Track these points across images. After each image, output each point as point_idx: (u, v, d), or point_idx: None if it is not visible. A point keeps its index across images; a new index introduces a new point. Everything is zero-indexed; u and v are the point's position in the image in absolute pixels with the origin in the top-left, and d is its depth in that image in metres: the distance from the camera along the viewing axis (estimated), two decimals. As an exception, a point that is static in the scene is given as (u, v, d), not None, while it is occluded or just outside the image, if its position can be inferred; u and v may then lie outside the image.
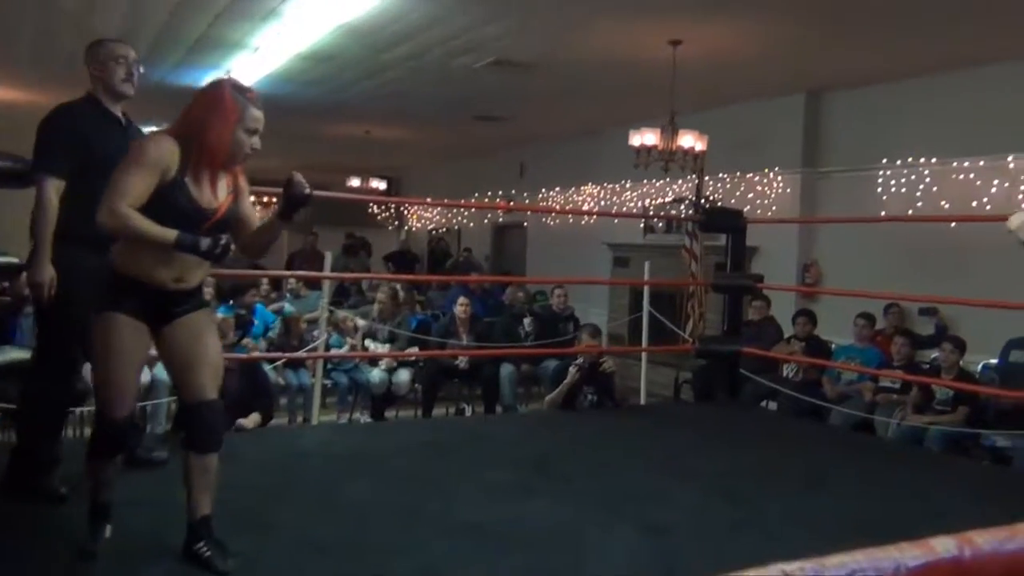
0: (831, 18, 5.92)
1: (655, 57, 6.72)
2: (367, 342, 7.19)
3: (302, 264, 10.28)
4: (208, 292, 6.78)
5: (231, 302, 6.46)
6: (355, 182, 13.50)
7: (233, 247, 2.49)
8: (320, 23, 6.43)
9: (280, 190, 2.57)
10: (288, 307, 7.69)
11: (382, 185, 14.08)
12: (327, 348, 6.30)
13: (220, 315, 5.12)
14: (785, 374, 6.73)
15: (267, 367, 6.11)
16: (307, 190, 2.56)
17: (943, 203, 6.85)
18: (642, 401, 6.86)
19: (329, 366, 6.73)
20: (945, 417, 5.50)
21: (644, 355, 6.88)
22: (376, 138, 12.11)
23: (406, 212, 16.79)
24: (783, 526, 3.12)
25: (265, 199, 18.09)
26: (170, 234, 2.35)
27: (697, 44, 6.50)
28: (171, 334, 2.53)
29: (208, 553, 2.48)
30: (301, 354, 6.36)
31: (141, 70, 3.33)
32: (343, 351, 6.88)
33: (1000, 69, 6.55)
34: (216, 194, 2.50)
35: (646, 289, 7.16)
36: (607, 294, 10.58)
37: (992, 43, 6.23)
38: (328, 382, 6.78)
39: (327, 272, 6.14)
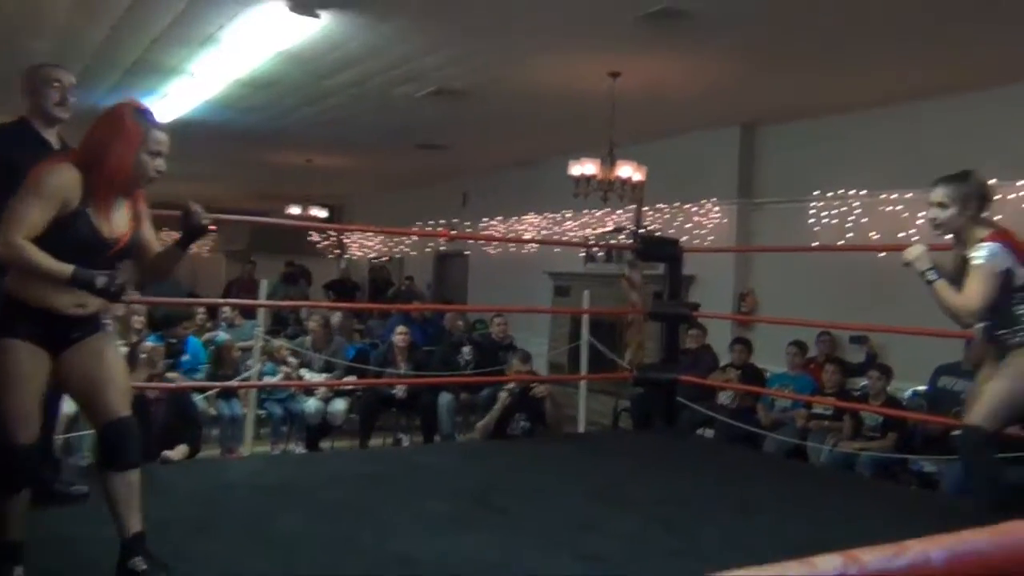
0: (765, 54, 6.07)
1: (595, 88, 6.81)
2: (302, 371, 7.07)
3: (239, 293, 10.10)
4: (139, 320, 6.63)
5: (161, 333, 6.30)
6: (295, 210, 13.36)
7: (127, 283, 2.47)
8: (259, 50, 6.37)
9: (225, 217, 2.58)
10: (221, 335, 7.54)
11: (323, 213, 13.95)
12: (260, 378, 6.17)
13: (150, 344, 4.98)
14: (721, 401, 6.80)
15: (198, 397, 5.97)
16: (205, 221, 2.56)
17: (872, 234, 7.04)
18: (581, 429, 6.86)
19: (263, 396, 6.59)
20: (875, 443, 5.61)
21: (583, 383, 6.89)
22: (318, 166, 12.01)
23: (347, 240, 16.66)
24: (719, 552, 3.12)
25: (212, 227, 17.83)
26: (66, 269, 2.32)
27: (635, 76, 6.61)
28: (72, 359, 2.48)
29: (144, 567, 2.42)
30: (232, 383, 6.22)
31: (72, 99, 3.32)
32: (276, 380, 6.74)
33: (926, 106, 6.78)
34: (118, 222, 2.47)
35: (585, 318, 7.19)
36: (548, 323, 10.60)
37: (918, 81, 6.46)
38: (262, 412, 6.63)
39: (263, 300, 6.03)
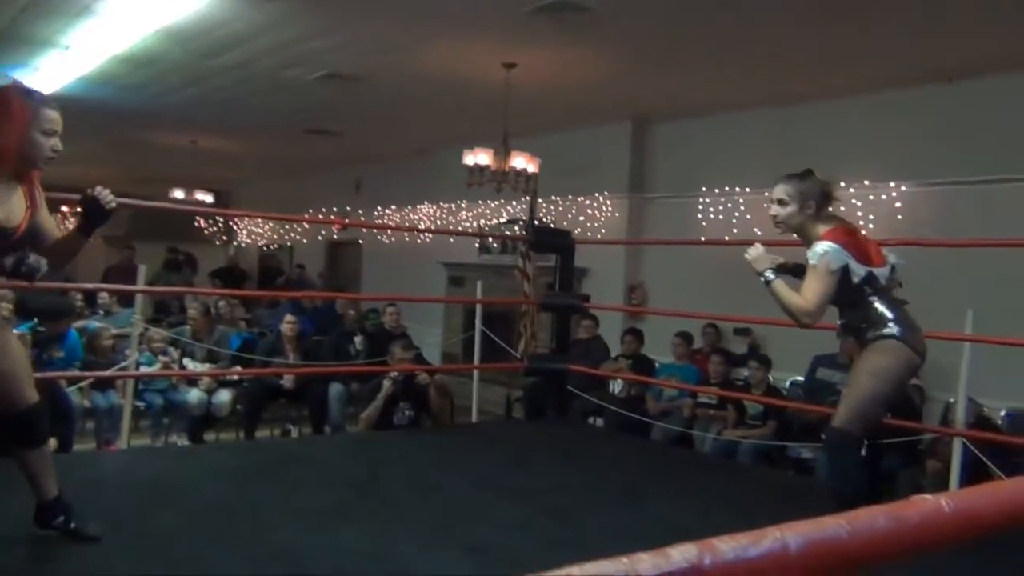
0: (658, 50, 6.19)
1: (489, 79, 6.79)
2: (185, 361, 6.80)
3: (116, 279, 9.63)
4: (7, 308, 6.22)
5: (39, 324, 5.92)
6: (179, 194, 12.84)
7: (44, 265, 2.44)
8: (139, 24, 6.07)
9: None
10: (93, 324, 7.18)
11: (209, 198, 13.47)
12: (138, 367, 5.90)
13: (17, 332, 4.68)
14: (612, 391, 6.92)
15: (70, 388, 5.66)
16: (109, 205, 2.50)
17: (756, 230, 7.28)
18: (474, 419, 6.85)
19: (142, 386, 6.32)
20: (756, 431, 5.82)
21: (476, 373, 6.88)
22: (203, 149, 11.58)
23: (235, 227, 16.15)
24: (602, 540, 3.16)
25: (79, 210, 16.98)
26: (74, 228, 2.40)
27: (530, 68, 6.62)
28: None
29: (73, 524, 2.61)
30: (106, 373, 5.93)
31: None
32: (154, 369, 6.46)
33: (808, 108, 7.06)
34: (15, 209, 2.41)
35: (479, 308, 7.18)
36: (442, 313, 10.56)
37: (802, 84, 6.72)
38: (140, 404, 6.36)
39: (140, 286, 5.76)
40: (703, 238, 7.63)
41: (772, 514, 3.02)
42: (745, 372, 6.36)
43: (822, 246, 2.87)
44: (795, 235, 3.09)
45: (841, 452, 2.88)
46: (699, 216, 7.81)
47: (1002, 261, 5.40)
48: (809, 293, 2.89)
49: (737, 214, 7.53)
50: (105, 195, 2.48)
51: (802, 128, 7.10)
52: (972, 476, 4.34)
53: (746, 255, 3.09)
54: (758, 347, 7.06)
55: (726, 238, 7.47)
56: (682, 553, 0.54)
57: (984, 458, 4.23)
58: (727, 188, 7.63)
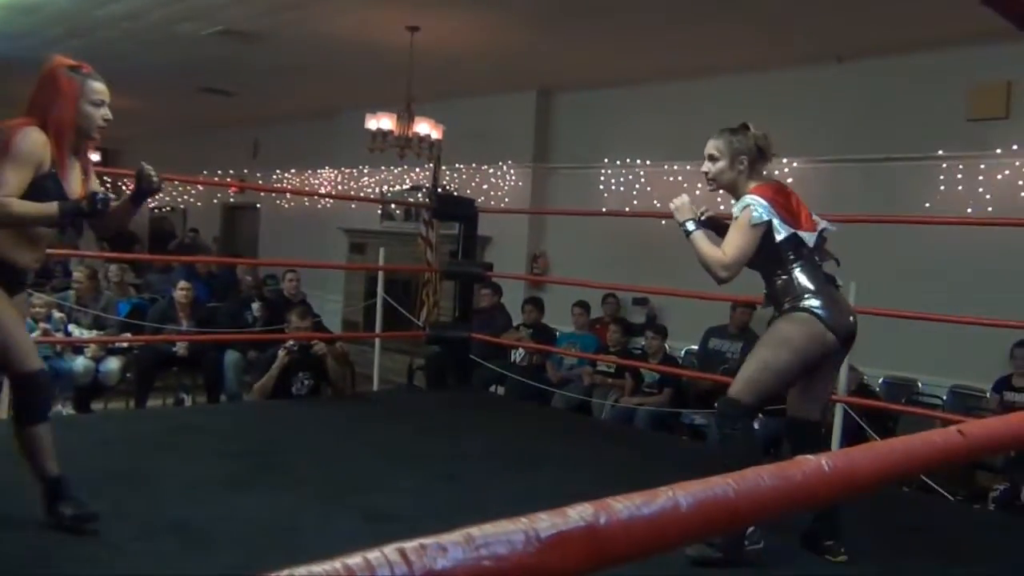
0: (559, 22, 6.21)
1: (393, 41, 6.68)
2: (70, 327, 6.51)
3: (-6, 240, 9.13)
4: None
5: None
6: (64, 152, 12.21)
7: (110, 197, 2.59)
8: (17, -32, 5.72)
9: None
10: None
11: (96, 157, 12.85)
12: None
13: None
14: (513, 359, 6.99)
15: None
16: (156, 183, 2.69)
17: (655, 202, 7.44)
18: (375, 387, 6.82)
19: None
20: (652, 398, 5.99)
21: (377, 342, 6.84)
22: (89, 105, 11.02)
23: (125, 188, 15.47)
24: (501, 506, 3.18)
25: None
26: (52, 207, 2.46)
27: (434, 32, 6.54)
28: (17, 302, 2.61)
29: (71, 511, 2.60)
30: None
31: None
32: (34, 336, 6.17)
33: (705, 83, 7.22)
34: (75, 180, 2.58)
35: (380, 275, 7.11)
36: (342, 280, 10.42)
37: (697, 60, 6.86)
38: (22, 372, 6.07)
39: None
40: (604, 209, 7.75)
41: (667, 478, 3.13)
42: (642, 341, 6.52)
43: (747, 199, 2.74)
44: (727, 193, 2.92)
45: (728, 420, 2.77)
46: (601, 187, 7.92)
47: (882, 235, 5.69)
48: (728, 247, 2.76)
49: (638, 186, 7.67)
50: (153, 173, 2.67)
51: (701, 103, 7.25)
52: (851, 440, 4.58)
53: (671, 204, 2.95)
54: (655, 317, 7.25)
55: (627, 209, 7.61)
56: (579, 512, 0.56)
57: (862, 423, 4.47)
58: (628, 160, 7.76)
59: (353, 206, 10.28)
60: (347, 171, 10.64)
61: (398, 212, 9.85)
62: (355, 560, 0.46)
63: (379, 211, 10.10)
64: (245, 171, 12.22)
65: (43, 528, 2.64)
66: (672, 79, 7.39)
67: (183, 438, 3.96)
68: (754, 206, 2.72)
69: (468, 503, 3.22)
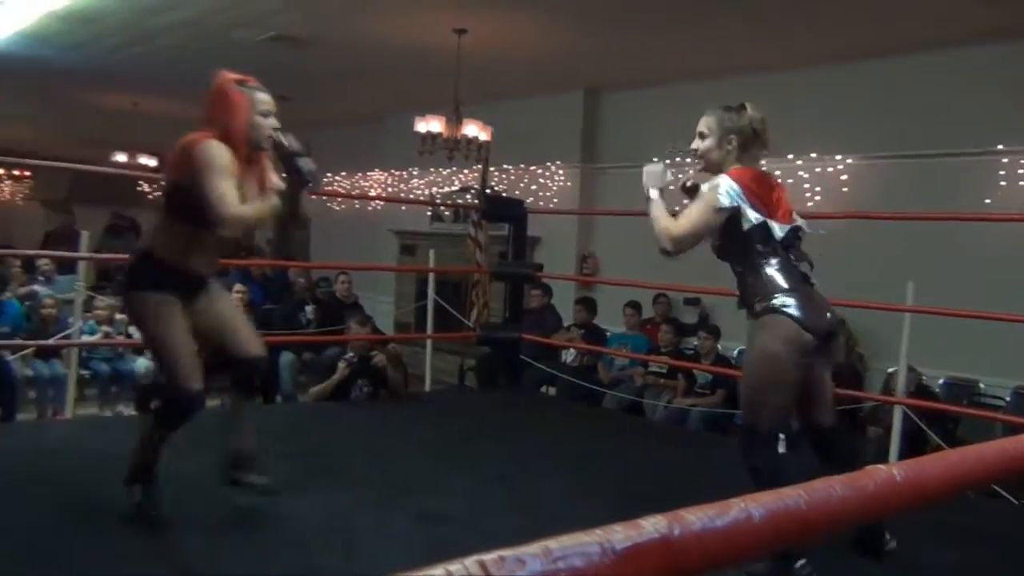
0: (610, 18, 6.18)
1: (440, 45, 6.72)
2: (131, 329, 6.67)
3: (56, 245, 9.41)
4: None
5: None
6: (121, 157, 12.52)
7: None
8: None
9: (41, 163, 2.69)
10: (43, 290, 7.01)
11: (152, 162, 13.15)
12: (81, 335, 5.78)
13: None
14: (564, 360, 6.98)
15: (11, 357, 5.53)
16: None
17: (707, 200, 7.36)
18: (427, 388, 6.86)
19: (87, 355, 6.19)
20: (705, 399, 5.93)
21: (429, 342, 6.88)
22: (146, 111, 11.27)
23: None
24: (556, 507, 3.21)
25: (16, 172, 16.43)
26: (272, 197, 2.69)
27: (482, 35, 6.56)
28: (198, 307, 2.70)
29: (259, 480, 2.81)
30: (49, 342, 5.81)
31: None
32: (96, 338, 6.34)
33: (754, 80, 7.11)
34: (254, 189, 2.67)
35: (431, 277, 7.16)
36: (393, 282, 10.51)
37: (746, 56, 6.77)
38: (86, 373, 6.24)
39: (83, 253, 5.63)
40: (654, 208, 7.69)
41: (721, 480, 3.09)
42: (695, 341, 6.47)
43: (719, 179, 2.60)
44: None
45: (747, 453, 2.64)
46: (651, 186, 7.86)
47: (941, 233, 5.56)
48: (683, 219, 2.64)
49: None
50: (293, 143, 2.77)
51: (751, 100, 7.15)
52: (911, 443, 4.49)
53: (644, 168, 2.84)
54: (707, 317, 7.18)
55: (676, 209, 7.54)
56: (653, 524, 0.56)
57: (923, 425, 4.37)
58: (677, 159, 7.68)
59: (403, 208, 10.36)
60: (397, 173, 10.72)
61: (447, 214, 9.91)
62: (437, 571, 0.47)
63: (429, 213, 10.16)
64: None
65: (101, 526, 2.71)
66: (723, 75, 7.30)
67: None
68: (723, 188, 2.58)
69: (521, 504, 3.23)
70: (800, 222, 2.72)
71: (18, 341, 5.68)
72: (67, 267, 7.64)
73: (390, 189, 10.89)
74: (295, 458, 3.69)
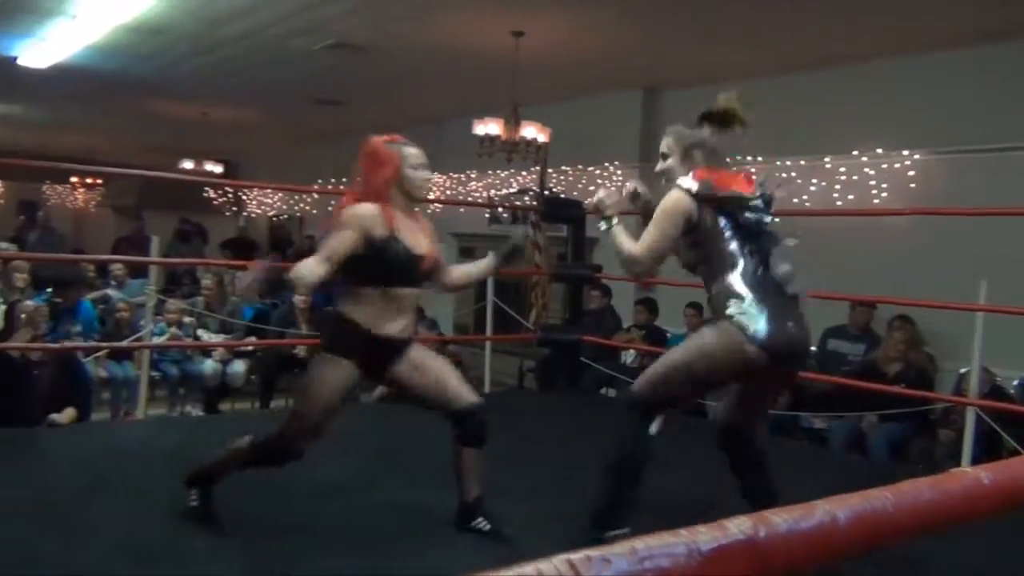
0: (666, 18, 6.13)
1: (498, 47, 6.74)
2: (199, 331, 6.85)
3: (127, 250, 9.69)
4: (23, 279, 6.28)
5: (50, 292, 5.97)
6: (188, 164, 12.84)
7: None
8: (147, -8, 6.05)
9: (112, 170, 2.65)
10: (116, 293, 7.22)
11: (218, 168, 13.47)
12: (151, 338, 5.95)
13: (31, 304, 4.72)
14: (624, 361, 6.93)
15: (86, 359, 5.71)
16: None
17: (769, 199, 7.24)
18: (486, 390, 6.89)
19: (157, 357, 6.37)
20: (768, 401, 5.82)
21: (488, 344, 6.92)
22: (213, 119, 11.56)
23: (245, 197, 16.16)
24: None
25: (89, 180, 16.98)
26: (486, 263, 2.99)
27: (539, 36, 6.56)
28: (403, 372, 2.77)
29: (488, 526, 2.81)
30: (123, 344, 5.99)
31: None
32: (164, 339, 6.51)
33: (817, 76, 6.99)
34: (420, 241, 2.75)
35: (490, 279, 7.18)
36: (452, 284, 10.57)
37: (810, 52, 6.65)
38: (156, 374, 6.42)
39: (153, 257, 5.80)
40: (715, 208, 7.61)
41: (787, 483, 3.05)
42: (757, 342, 6.36)
43: (672, 189, 2.57)
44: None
45: (624, 417, 2.67)
46: (711, 185, 7.77)
47: (1015, 230, 5.38)
48: (644, 237, 2.61)
49: (749, 183, 7.49)
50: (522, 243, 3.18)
51: (813, 96, 7.04)
52: (985, 446, 4.36)
53: (595, 199, 2.83)
54: (770, 317, 7.06)
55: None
56: (738, 526, 0.55)
57: (997, 427, 4.24)
58: (738, 157, 7.57)
59: (462, 210, 10.42)
60: (455, 176, 10.79)
61: (505, 215, 9.93)
62: (527, 570, 0.47)
63: (487, 215, 10.20)
64: (358, 179, 12.56)
65: (168, 522, 2.78)
66: (784, 72, 7.19)
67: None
68: (672, 196, 2.58)
69: (582, 508, 3.21)
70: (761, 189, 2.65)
71: (92, 343, 5.86)
72: (138, 271, 7.86)
73: (448, 192, 10.96)
74: (360, 458, 3.74)
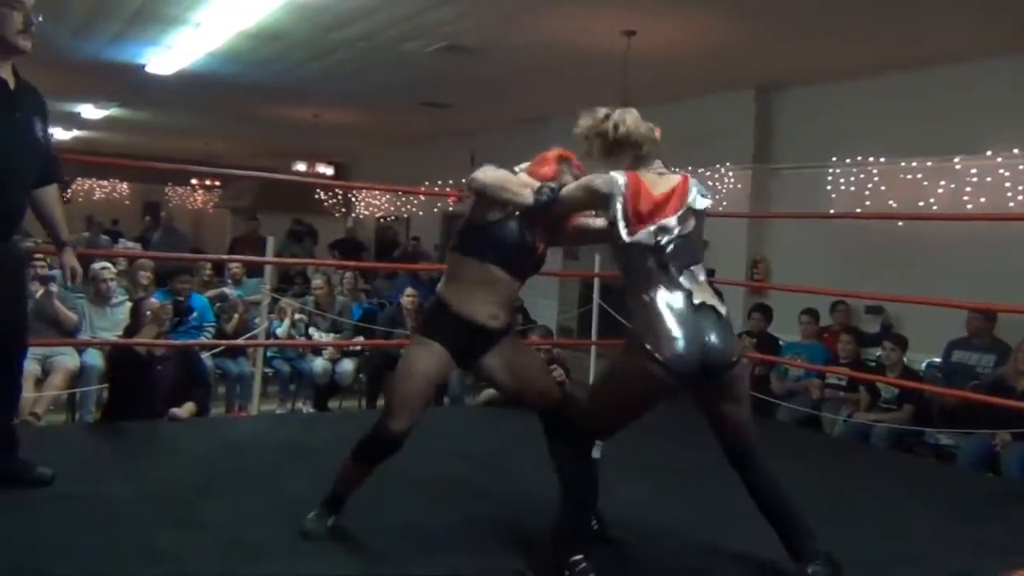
0: (781, 15, 5.92)
1: (608, 47, 6.66)
2: (310, 330, 7.02)
3: (243, 250, 10.03)
4: (146, 276, 6.58)
5: (167, 288, 6.25)
6: (301, 167, 13.24)
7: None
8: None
9: (230, 172, 2.72)
10: (234, 292, 7.49)
11: (329, 171, 13.83)
12: (267, 336, 6.13)
13: (156, 301, 4.92)
14: (734, 370, 6.75)
15: (205, 355, 5.93)
16: None
17: (891, 202, 6.93)
18: (590, 395, 6.83)
19: (270, 354, 6.56)
20: (891, 415, 5.57)
21: (593, 349, 6.85)
22: (324, 122, 11.88)
23: (354, 199, 16.55)
24: (737, 528, 3.08)
25: (208, 182, 17.73)
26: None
27: (650, 35, 6.46)
28: (493, 362, 2.75)
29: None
30: (240, 341, 6.19)
31: (40, 19, 2.85)
32: (283, 334, 6.71)
33: (947, 71, 6.63)
34: (540, 236, 2.78)
35: (596, 281, 7.12)
36: (557, 286, 10.53)
37: (938, 46, 6.31)
38: (269, 371, 6.61)
39: (269, 257, 5.98)
40: (832, 210, 7.33)
41: (907, 500, 2.88)
42: (877, 352, 6.09)
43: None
44: None
45: (567, 444, 2.68)
46: (828, 188, 7.48)
47: None
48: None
49: (870, 185, 7.18)
50: None
51: (941, 93, 6.69)
52: None
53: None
54: (891, 326, 6.75)
55: (857, 210, 7.14)
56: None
57: None
58: (859, 158, 7.28)
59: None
60: (560, 177, 10.75)
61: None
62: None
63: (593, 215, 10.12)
64: (463, 180, 12.67)
65: (279, 519, 2.83)
66: (908, 68, 6.85)
67: (415, 438, 4.11)
68: (602, 178, 2.58)
69: (697, 518, 3.13)
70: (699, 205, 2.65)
71: (212, 340, 6.08)
72: (253, 271, 8.12)
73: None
74: (468, 461, 3.74)
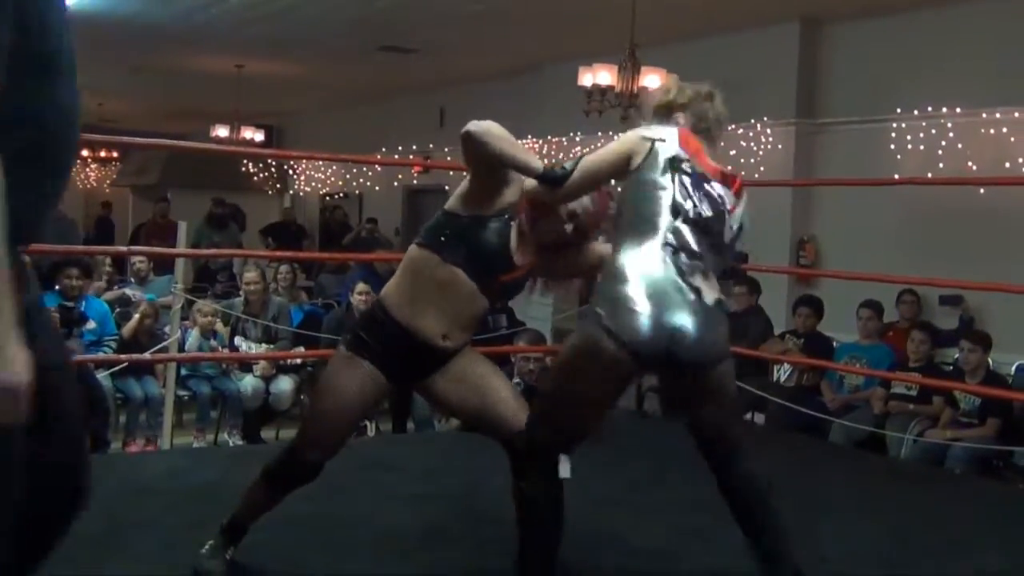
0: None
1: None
2: (237, 340, 7.02)
3: (149, 239, 10.05)
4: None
5: (56, 289, 6.23)
6: (223, 132, 13.20)
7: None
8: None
9: (131, 140, 2.75)
10: (140, 293, 7.50)
11: (259, 136, 13.80)
12: (181, 348, 6.12)
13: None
14: (776, 378, 6.81)
15: (102, 374, 5.94)
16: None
17: (971, 164, 6.99)
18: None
19: (184, 372, 6.56)
20: (971, 431, 5.64)
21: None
22: (251, 75, 11.87)
23: (291, 172, 16.54)
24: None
25: (102, 153, 17.66)
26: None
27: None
28: (440, 384, 2.81)
29: None
30: (147, 356, 6.19)
31: None
32: (193, 349, 6.69)
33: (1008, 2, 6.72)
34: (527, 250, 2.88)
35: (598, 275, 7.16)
36: (551, 280, 10.57)
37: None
38: (184, 393, 6.61)
39: (181, 248, 5.98)
40: (897, 176, 7.38)
41: (989, 538, 2.94)
42: (956, 354, 6.16)
43: None
44: None
45: (526, 473, 2.71)
46: (892, 147, 7.54)
47: None
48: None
49: (944, 143, 7.25)
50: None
51: (1004, 29, 6.76)
52: None
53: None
54: (972, 321, 6.82)
55: (930, 175, 7.21)
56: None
57: None
58: (930, 109, 7.35)
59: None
60: (555, 140, 10.78)
61: (620, 190, 9.87)
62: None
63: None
64: (430, 146, 12.67)
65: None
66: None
67: (369, 476, 4.15)
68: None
69: (724, 568, 3.17)
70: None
71: (106, 356, 6.07)
72: (163, 265, 8.10)
73: (549, 160, 10.95)
74: (435, 503, 3.77)
